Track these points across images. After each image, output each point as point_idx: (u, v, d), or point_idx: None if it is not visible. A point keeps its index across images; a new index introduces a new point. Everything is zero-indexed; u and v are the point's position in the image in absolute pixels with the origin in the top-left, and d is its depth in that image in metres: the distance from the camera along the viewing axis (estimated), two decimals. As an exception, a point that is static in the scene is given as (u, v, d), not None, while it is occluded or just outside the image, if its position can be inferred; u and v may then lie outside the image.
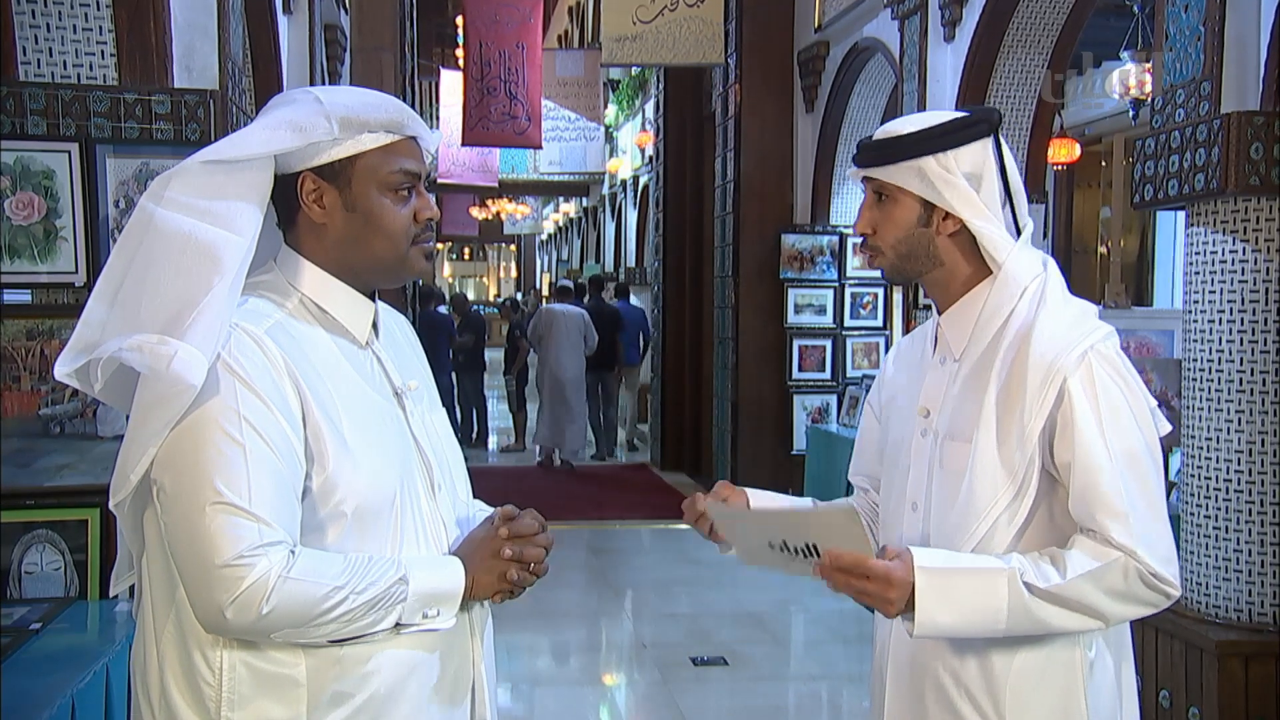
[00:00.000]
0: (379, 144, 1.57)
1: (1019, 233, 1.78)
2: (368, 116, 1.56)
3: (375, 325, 1.66)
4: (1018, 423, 1.66)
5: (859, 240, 1.86)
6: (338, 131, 1.54)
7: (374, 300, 1.66)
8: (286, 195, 1.58)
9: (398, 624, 1.51)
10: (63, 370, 1.50)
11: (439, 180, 14.69)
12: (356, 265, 1.60)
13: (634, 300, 13.08)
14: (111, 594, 1.74)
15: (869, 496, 2.05)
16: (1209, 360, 3.60)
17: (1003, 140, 1.79)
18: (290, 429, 1.46)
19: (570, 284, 12.43)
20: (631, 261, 14.78)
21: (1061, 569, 1.63)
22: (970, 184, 1.73)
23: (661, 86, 10.92)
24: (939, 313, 1.84)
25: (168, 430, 1.42)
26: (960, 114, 1.78)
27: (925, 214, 1.76)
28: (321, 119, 1.53)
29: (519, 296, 22.88)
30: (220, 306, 1.44)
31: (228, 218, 1.48)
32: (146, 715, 1.54)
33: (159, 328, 1.41)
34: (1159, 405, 1.78)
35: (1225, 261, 3.54)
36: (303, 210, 1.58)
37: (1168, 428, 1.77)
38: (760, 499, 1.95)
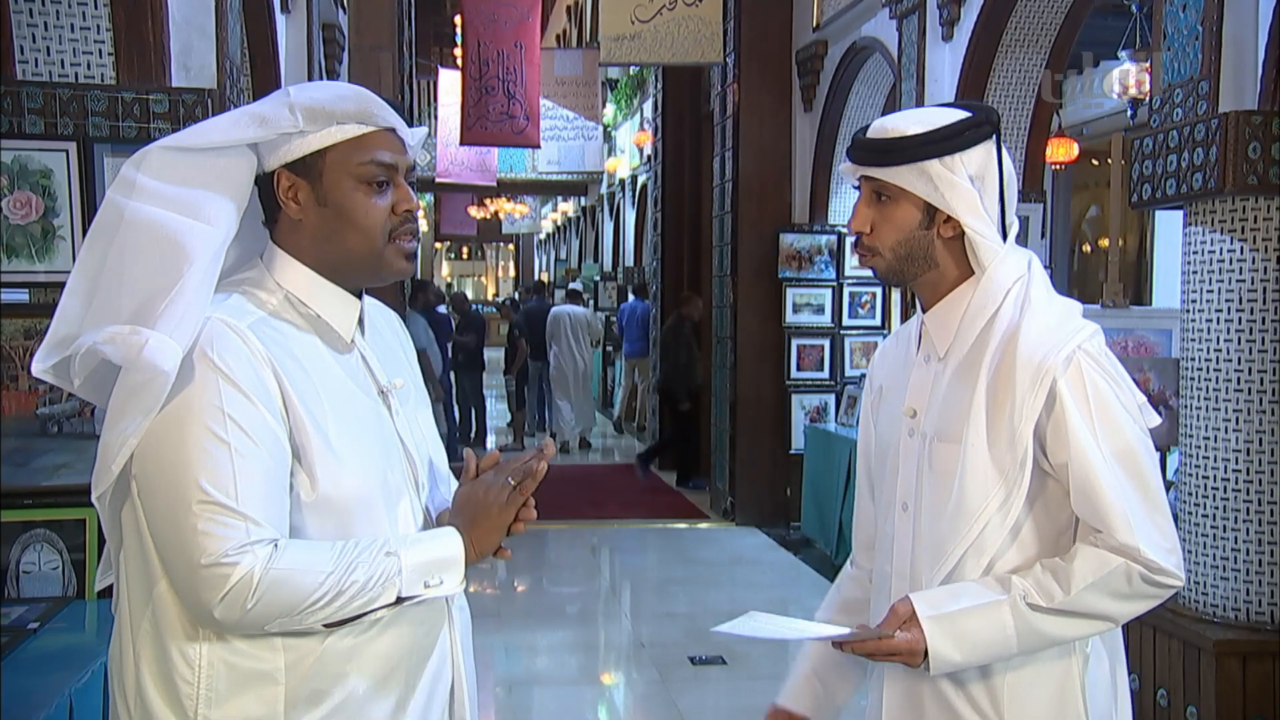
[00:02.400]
0: (349, 136, 1.55)
1: (1004, 230, 1.77)
2: (333, 108, 1.54)
3: (361, 323, 1.65)
4: (1007, 425, 1.66)
5: (854, 239, 1.82)
6: (302, 123, 1.53)
7: (360, 297, 1.65)
8: (267, 193, 1.59)
9: (399, 598, 1.49)
10: (40, 366, 1.50)
11: (437, 179, 14.69)
12: (335, 261, 1.59)
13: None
14: (96, 589, 1.74)
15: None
16: (1207, 359, 3.60)
17: (1002, 141, 1.78)
18: (274, 421, 1.46)
19: (576, 284, 13.65)
20: (630, 261, 14.78)
21: (1064, 584, 1.64)
22: (975, 187, 1.72)
23: (660, 86, 10.92)
24: (923, 310, 1.83)
25: (146, 420, 1.42)
26: (963, 113, 1.74)
27: (926, 217, 1.73)
28: (285, 110, 1.53)
29: (518, 296, 22.89)
30: (192, 294, 1.43)
31: (196, 206, 1.48)
32: (123, 713, 1.53)
33: (129, 318, 1.42)
34: (1149, 401, 1.79)
35: (1223, 261, 3.54)
36: (283, 209, 1.58)
37: (1157, 420, 1.77)
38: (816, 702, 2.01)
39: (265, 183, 1.58)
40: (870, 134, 1.77)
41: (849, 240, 8.38)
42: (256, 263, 1.61)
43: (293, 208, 1.57)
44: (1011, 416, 1.66)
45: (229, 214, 1.51)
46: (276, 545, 1.43)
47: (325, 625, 1.47)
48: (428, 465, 1.68)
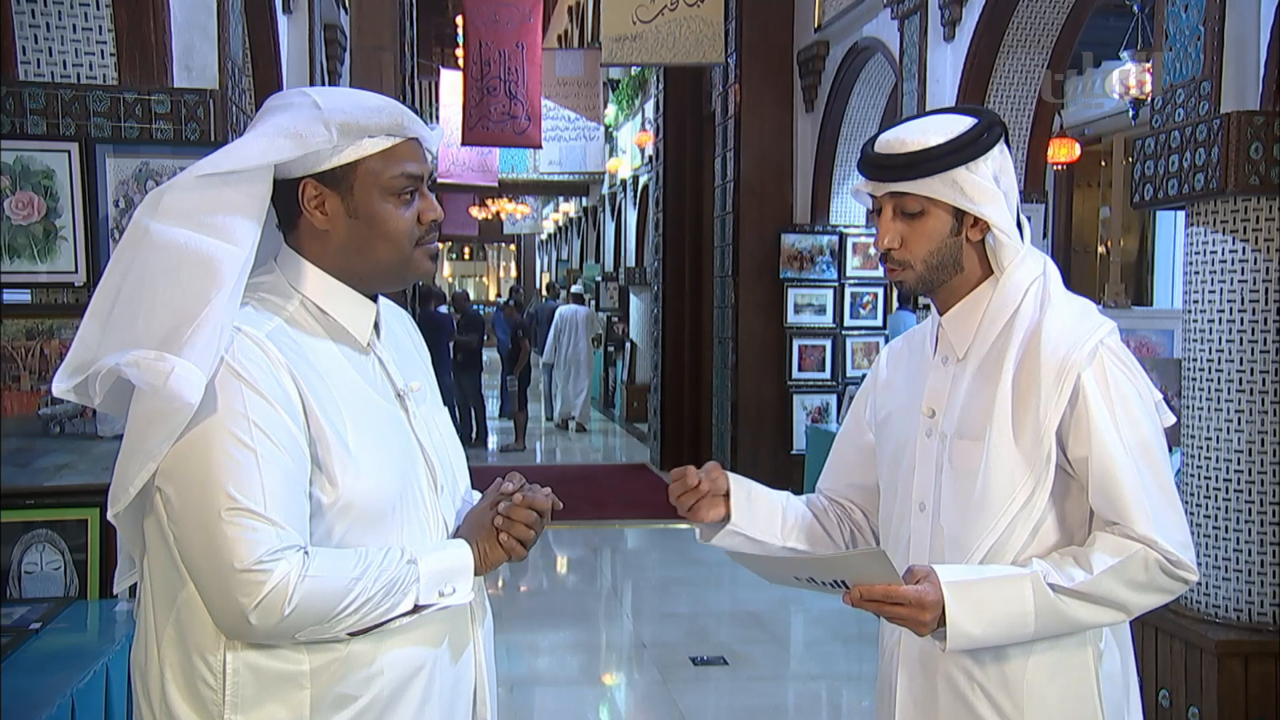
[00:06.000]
0: (380, 148, 1.55)
1: (1020, 229, 1.79)
2: (367, 121, 1.53)
3: (377, 325, 1.65)
4: (1033, 419, 1.68)
5: (881, 256, 1.81)
6: (337, 139, 1.52)
7: (375, 300, 1.65)
8: (287, 200, 1.56)
9: (416, 606, 1.51)
10: (61, 387, 1.49)
11: (439, 180, 14.69)
12: (360, 270, 1.59)
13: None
14: (115, 591, 1.74)
15: (834, 508, 2.03)
16: (1209, 360, 3.60)
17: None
18: (295, 427, 1.46)
19: (580, 288, 15.00)
20: (631, 261, 14.80)
21: (1085, 566, 1.65)
22: (1000, 188, 1.74)
23: (661, 86, 10.92)
24: (940, 313, 1.84)
25: (169, 444, 1.41)
26: (970, 118, 1.76)
27: (955, 223, 1.75)
28: (320, 126, 1.51)
29: (521, 297, 22.96)
30: (218, 320, 1.42)
31: (225, 229, 1.46)
32: (147, 717, 1.54)
33: (156, 343, 1.40)
34: (1164, 398, 1.79)
35: (1225, 261, 3.54)
36: (304, 215, 1.56)
37: (1172, 419, 1.80)
38: (743, 493, 1.90)
39: (285, 189, 1.55)
40: (886, 149, 1.76)
41: (851, 240, 8.43)
42: (272, 266, 1.60)
43: (319, 218, 1.56)
44: (1037, 411, 1.67)
45: (254, 233, 1.50)
46: (307, 553, 1.44)
47: (349, 634, 1.48)
48: (448, 467, 1.69)
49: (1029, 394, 1.68)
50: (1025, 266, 1.77)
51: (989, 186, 1.72)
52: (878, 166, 1.76)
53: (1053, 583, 1.63)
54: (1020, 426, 1.69)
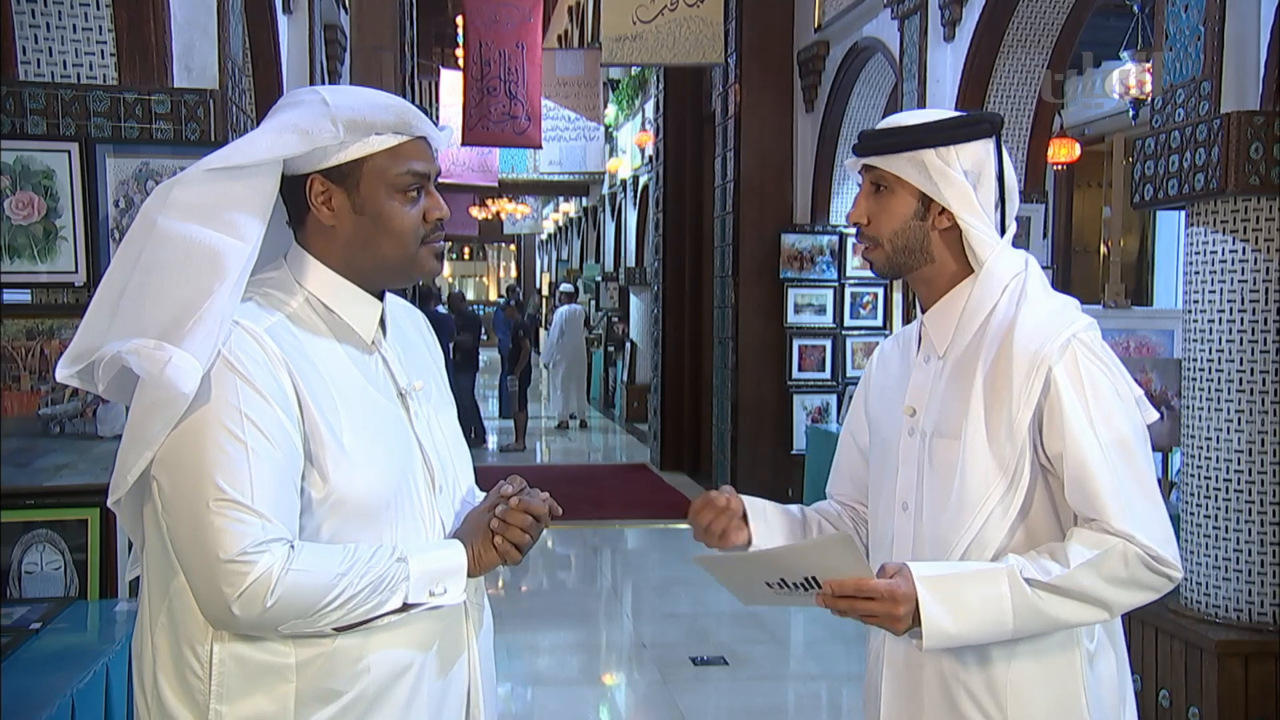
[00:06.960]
0: (386, 146, 1.56)
1: (1003, 230, 1.80)
2: (374, 118, 1.55)
3: (384, 323, 1.66)
4: (1005, 415, 1.67)
5: (855, 230, 1.86)
6: (343, 135, 1.53)
7: (382, 298, 1.65)
8: (295, 196, 1.58)
9: (405, 604, 1.51)
10: (64, 373, 1.51)
11: (439, 180, 14.71)
12: (365, 266, 1.60)
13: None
14: (127, 580, 1.76)
15: (847, 511, 2.03)
16: (1209, 360, 3.60)
17: (1003, 145, 1.80)
18: (289, 423, 1.47)
19: (571, 287, 15.10)
20: (631, 261, 14.80)
21: (1061, 561, 1.63)
22: (969, 181, 1.75)
23: (661, 86, 10.92)
24: (923, 310, 1.85)
25: (166, 433, 1.43)
26: (963, 113, 1.80)
27: (922, 207, 1.77)
28: (327, 122, 1.53)
29: (521, 296, 22.97)
30: (219, 313, 1.44)
31: (231, 224, 1.48)
32: (141, 706, 1.56)
33: (157, 332, 1.42)
34: (1149, 400, 1.79)
35: (1225, 261, 3.54)
36: (311, 212, 1.58)
37: (1154, 415, 1.77)
38: (759, 513, 1.90)
39: (294, 185, 1.57)
40: (877, 128, 1.82)
41: (851, 241, 8.44)
42: (280, 263, 1.61)
43: (325, 213, 1.57)
44: (1009, 407, 1.67)
45: (260, 228, 1.52)
46: (293, 546, 1.44)
47: (335, 629, 1.49)
48: (448, 467, 1.69)
49: (1001, 390, 1.68)
50: (1005, 264, 1.77)
51: (955, 176, 1.74)
52: (860, 140, 1.82)
53: (1028, 577, 1.61)
54: (994, 423, 1.68)
